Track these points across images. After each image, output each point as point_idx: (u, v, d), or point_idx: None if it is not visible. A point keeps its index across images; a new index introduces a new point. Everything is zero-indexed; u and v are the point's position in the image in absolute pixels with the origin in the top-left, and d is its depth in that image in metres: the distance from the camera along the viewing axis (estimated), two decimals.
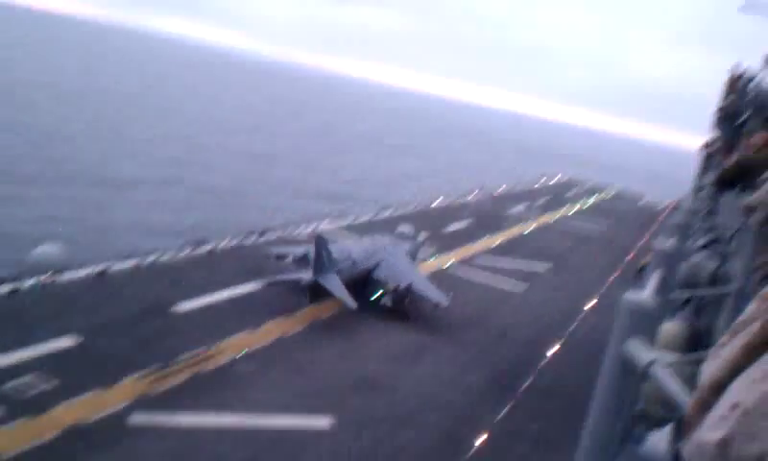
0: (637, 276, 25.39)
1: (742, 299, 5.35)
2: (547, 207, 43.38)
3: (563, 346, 18.73)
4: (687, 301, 6.80)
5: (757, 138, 9.12)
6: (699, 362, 3.65)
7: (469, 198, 41.45)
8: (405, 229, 23.81)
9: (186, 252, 20.58)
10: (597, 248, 34.28)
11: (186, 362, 13.90)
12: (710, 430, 0.75)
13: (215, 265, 20.15)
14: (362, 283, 19.10)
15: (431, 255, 25.25)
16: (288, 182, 55.27)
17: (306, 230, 25.65)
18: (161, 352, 13.97)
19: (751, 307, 0.79)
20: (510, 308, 21.57)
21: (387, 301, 19.19)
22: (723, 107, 25.97)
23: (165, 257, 19.80)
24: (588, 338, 19.54)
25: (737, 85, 24.90)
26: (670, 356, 4.69)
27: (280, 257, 20.25)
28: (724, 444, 0.71)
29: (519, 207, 41.23)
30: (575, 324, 20.74)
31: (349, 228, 27.65)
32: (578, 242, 34.84)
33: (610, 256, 32.03)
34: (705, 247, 7.28)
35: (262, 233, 23.88)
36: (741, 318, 0.79)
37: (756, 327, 0.76)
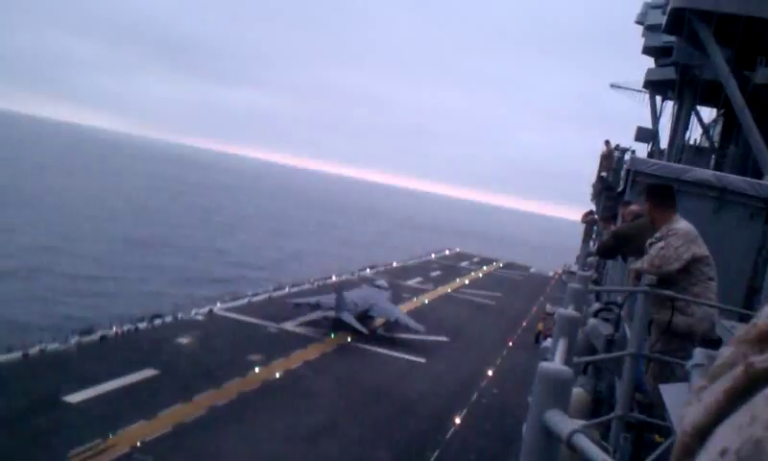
0: (536, 344, 26.26)
1: (638, 361, 5.65)
2: (441, 280, 44.31)
3: (466, 415, 18.88)
4: (587, 366, 7.09)
5: (633, 208, 9.77)
6: (604, 426, 3.82)
7: (366, 272, 41.84)
8: (382, 282, 32.06)
9: (75, 340, 19.57)
10: (492, 317, 35.10)
11: (80, 456, 13.03)
12: None
13: (108, 353, 19.26)
14: (362, 319, 25.70)
15: (330, 333, 25.11)
16: (173, 267, 53.31)
17: (201, 312, 25.11)
18: (54, 447, 13.06)
19: (726, 351, 0.80)
20: (412, 381, 21.63)
21: (382, 331, 26.20)
22: (599, 179, 27.77)
23: (53, 347, 18.74)
24: (491, 405, 19.86)
25: (611, 159, 26.76)
26: (579, 422, 4.86)
27: (298, 305, 26.36)
28: None
29: (414, 281, 41.92)
30: (476, 393, 21.01)
31: (245, 307, 27.21)
32: (473, 312, 35.58)
33: (504, 325, 32.85)
34: (597, 313, 7.64)
35: (153, 319, 23.07)
36: (717, 362, 0.80)
37: (738, 371, 0.76)
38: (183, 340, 21.49)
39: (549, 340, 4.85)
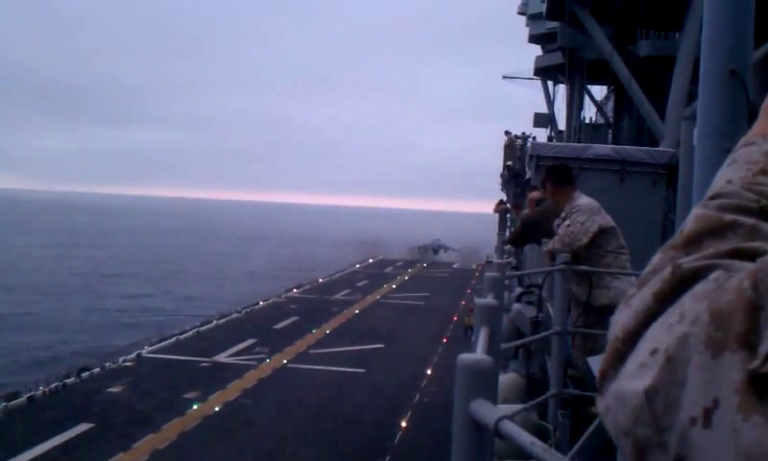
0: (466, 336, 26.71)
1: (564, 339, 5.87)
2: (369, 288, 44.49)
3: (411, 417, 19.04)
4: (517, 351, 7.31)
5: (534, 195, 10.04)
6: (542, 406, 3.98)
7: (293, 292, 41.62)
8: None
9: (1, 406, 18.71)
10: (423, 317, 35.49)
11: None
12: (632, 380, 0.71)
13: (38, 413, 18.49)
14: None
15: (266, 358, 24.84)
16: (92, 315, 51.16)
17: (130, 358, 24.44)
18: None
19: (655, 259, 0.79)
20: (353, 393, 21.63)
21: None
22: (506, 168, 28.54)
23: None
24: (433, 403, 20.08)
25: (514, 147, 27.55)
26: (513, 408, 5.02)
27: None
28: (652, 391, 0.68)
29: (342, 294, 41.95)
30: (418, 394, 21.21)
31: (174, 346, 26.59)
32: (404, 315, 35.88)
33: (436, 323, 33.28)
34: (519, 298, 7.87)
35: (80, 372, 22.24)
36: (647, 269, 0.78)
37: (666, 273, 0.75)
38: (115, 389, 20.86)
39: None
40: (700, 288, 0.72)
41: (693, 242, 0.80)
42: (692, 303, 0.72)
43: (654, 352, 0.71)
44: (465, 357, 2.01)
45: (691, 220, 0.81)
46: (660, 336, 0.73)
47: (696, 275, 0.74)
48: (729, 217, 0.79)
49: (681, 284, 0.75)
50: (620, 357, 0.77)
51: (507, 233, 19.11)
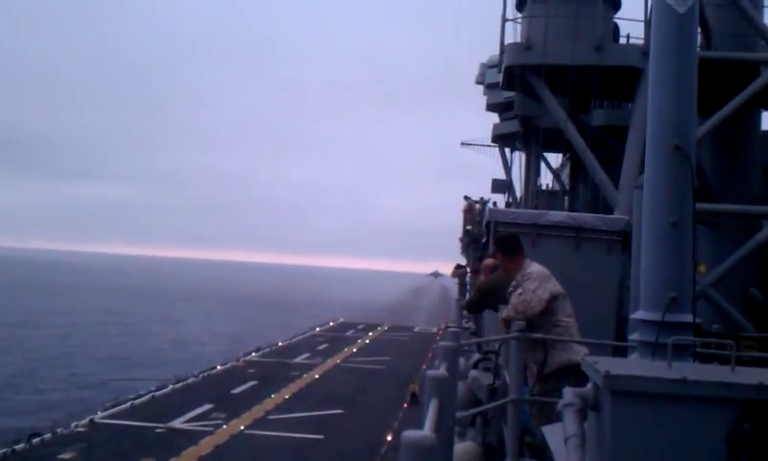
0: (411, 402, 26.53)
1: (520, 406, 5.86)
2: (329, 352, 43.95)
3: None
4: (474, 418, 7.26)
5: (488, 262, 10.12)
6: None
7: (252, 356, 40.90)
8: None
9: None
10: (383, 381, 35.07)
11: None
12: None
13: None
14: None
15: (222, 423, 24.20)
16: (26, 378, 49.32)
17: (82, 423, 23.59)
18: None
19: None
20: (310, 459, 21.15)
21: None
22: (465, 233, 28.84)
23: None
24: None
25: (473, 212, 27.92)
26: None
27: None
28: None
29: (302, 357, 41.34)
30: (378, 460, 20.81)
31: (128, 412, 25.82)
32: (365, 379, 35.43)
33: (396, 387, 32.87)
34: (477, 364, 7.87)
35: (30, 438, 21.26)
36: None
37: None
38: (66, 456, 19.99)
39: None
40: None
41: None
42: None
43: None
44: (408, 435, 1.99)
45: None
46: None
47: None
48: None
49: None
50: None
51: (466, 298, 19.20)
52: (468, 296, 20.34)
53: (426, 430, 2.34)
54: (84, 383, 49.03)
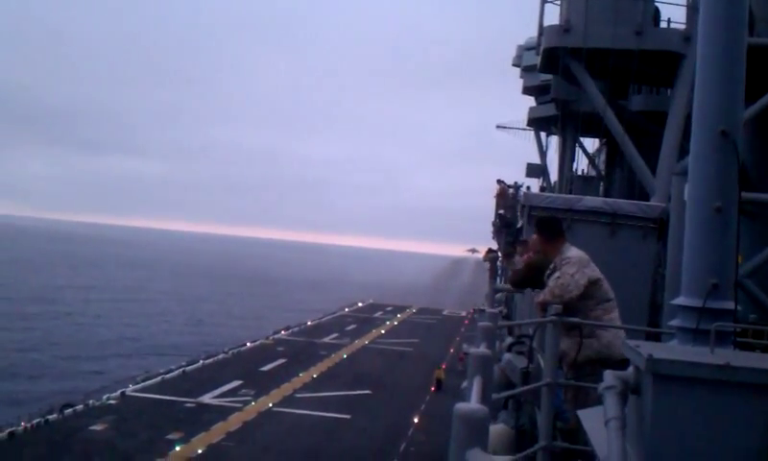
0: (439, 390, 26.57)
1: (555, 390, 5.86)
2: (357, 333, 44.22)
3: None
4: (507, 401, 7.27)
5: (535, 237, 10.11)
6: (530, 459, 3.97)
7: (281, 335, 41.32)
8: None
9: None
10: (411, 363, 35.24)
11: None
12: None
13: (18, 450, 18.17)
14: None
15: (251, 400, 24.55)
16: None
17: (114, 396, 24.11)
18: None
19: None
20: (339, 438, 21.37)
21: None
22: (498, 217, 28.69)
23: None
24: (420, 452, 19.83)
25: (506, 197, 27.75)
26: (502, 460, 4.98)
27: None
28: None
29: (330, 337, 41.67)
30: (405, 442, 20.95)
31: (159, 386, 26.28)
32: (393, 361, 35.63)
33: (424, 370, 33.00)
34: (510, 348, 7.86)
35: (63, 408, 21.87)
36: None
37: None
38: (97, 427, 20.53)
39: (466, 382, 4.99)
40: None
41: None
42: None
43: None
44: (461, 407, 2.02)
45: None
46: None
47: None
48: None
49: None
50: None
51: (497, 282, 19.15)
52: (498, 281, 20.27)
53: (475, 404, 2.37)
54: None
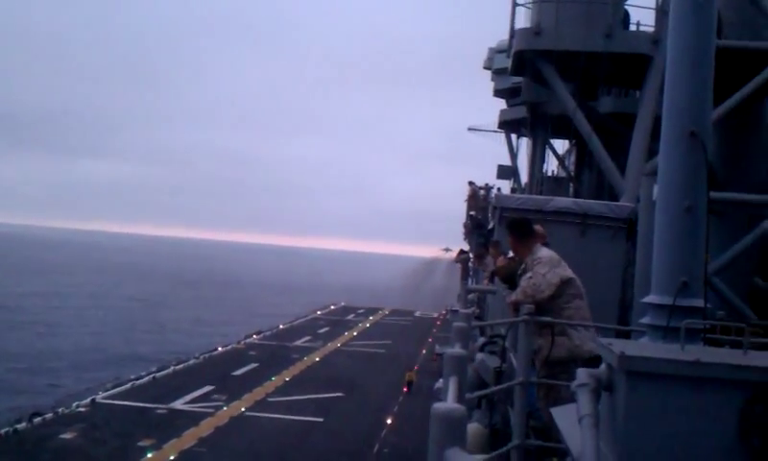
0: (408, 390, 26.60)
1: (528, 389, 5.90)
2: (330, 336, 44.08)
3: None
4: (480, 401, 7.31)
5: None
6: (504, 458, 4.00)
7: (253, 339, 41.06)
8: None
9: None
10: (383, 365, 35.17)
11: None
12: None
13: None
14: None
15: (223, 405, 24.34)
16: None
17: (83, 403, 23.73)
18: None
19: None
20: (312, 442, 21.26)
21: None
22: (469, 218, 28.87)
23: None
24: (393, 454, 19.77)
25: (477, 198, 27.94)
26: (476, 459, 5.01)
27: None
28: None
29: (302, 340, 41.49)
30: (378, 444, 20.92)
31: (129, 392, 25.95)
32: (365, 363, 35.53)
33: (397, 372, 32.99)
34: (483, 347, 7.91)
35: (32, 417, 21.49)
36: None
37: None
38: (67, 435, 20.15)
39: (441, 380, 5.01)
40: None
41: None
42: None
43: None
44: (439, 407, 2.03)
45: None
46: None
47: None
48: None
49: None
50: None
51: (469, 283, 19.27)
52: (470, 282, 20.40)
53: (452, 403, 2.38)
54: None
